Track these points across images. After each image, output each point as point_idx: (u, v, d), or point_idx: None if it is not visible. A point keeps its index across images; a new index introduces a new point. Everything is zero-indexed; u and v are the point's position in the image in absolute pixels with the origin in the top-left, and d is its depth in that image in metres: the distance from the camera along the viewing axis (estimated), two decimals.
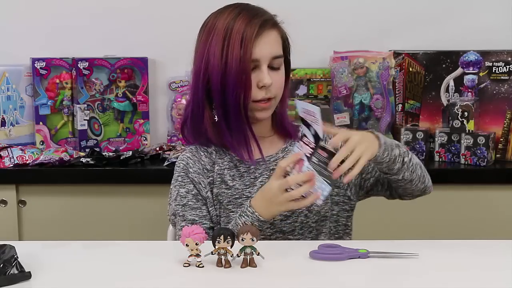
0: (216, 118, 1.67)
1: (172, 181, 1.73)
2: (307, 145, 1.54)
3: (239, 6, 1.67)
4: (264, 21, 1.63)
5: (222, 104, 1.64)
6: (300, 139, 1.56)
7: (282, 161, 1.55)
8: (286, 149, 1.75)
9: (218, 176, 1.71)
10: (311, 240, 1.70)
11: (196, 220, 1.67)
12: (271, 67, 1.65)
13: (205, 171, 1.71)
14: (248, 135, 1.67)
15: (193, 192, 1.69)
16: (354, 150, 1.53)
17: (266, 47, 1.63)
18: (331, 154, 1.51)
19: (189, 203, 1.69)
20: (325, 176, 1.51)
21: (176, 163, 1.75)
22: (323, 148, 1.52)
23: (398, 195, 1.78)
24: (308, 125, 1.55)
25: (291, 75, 2.56)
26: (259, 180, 1.70)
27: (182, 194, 1.70)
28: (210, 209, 1.69)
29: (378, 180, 1.76)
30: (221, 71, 1.61)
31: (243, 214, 1.60)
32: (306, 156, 1.53)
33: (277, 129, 1.77)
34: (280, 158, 1.73)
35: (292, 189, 1.53)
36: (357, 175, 1.57)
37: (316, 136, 1.53)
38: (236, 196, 1.69)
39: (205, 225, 1.66)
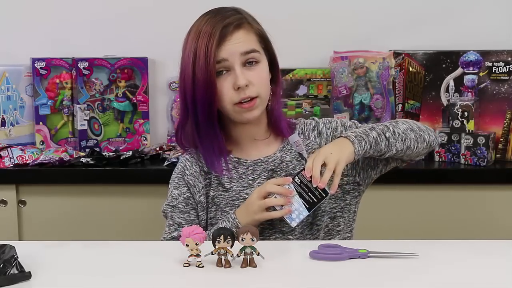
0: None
1: (170, 180, 1.76)
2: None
3: (212, 11, 1.68)
4: (226, 25, 1.63)
5: (194, 115, 1.66)
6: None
7: (271, 180, 1.61)
8: (284, 148, 1.74)
9: (215, 178, 1.71)
10: (312, 238, 1.70)
11: (183, 224, 1.70)
12: (247, 65, 1.64)
13: (203, 173, 1.73)
14: (217, 147, 1.68)
15: (184, 196, 1.71)
16: (328, 161, 1.54)
17: (231, 47, 1.62)
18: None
19: (179, 205, 1.71)
20: (304, 199, 1.56)
21: (177, 164, 1.78)
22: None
23: (409, 160, 1.78)
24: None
25: (291, 75, 2.59)
26: (257, 181, 1.70)
27: (174, 195, 1.72)
28: (200, 213, 1.71)
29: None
30: (191, 82, 1.63)
31: (225, 220, 1.63)
32: (292, 178, 1.57)
33: (273, 130, 1.76)
34: (278, 157, 1.73)
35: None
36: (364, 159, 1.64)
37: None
38: (234, 198, 1.70)
39: None
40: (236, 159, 1.73)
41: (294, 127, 1.78)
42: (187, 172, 1.72)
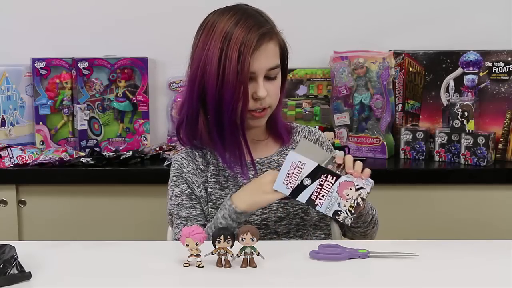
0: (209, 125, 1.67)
1: (169, 181, 1.75)
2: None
3: (239, 11, 1.65)
4: (262, 34, 1.61)
5: (216, 114, 1.63)
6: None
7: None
8: (282, 152, 1.75)
9: (213, 176, 1.72)
10: (301, 238, 1.71)
11: (191, 218, 1.69)
12: (267, 78, 1.65)
13: (199, 171, 1.73)
14: (241, 145, 1.67)
15: (186, 192, 1.71)
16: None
17: (263, 61, 1.62)
18: (337, 176, 1.53)
19: (183, 202, 1.71)
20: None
21: (172, 163, 1.77)
22: (328, 173, 1.53)
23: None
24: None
25: (291, 75, 2.59)
26: None
27: (176, 193, 1.72)
28: (204, 208, 1.71)
29: None
30: (218, 82, 1.60)
31: (222, 208, 1.61)
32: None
33: (272, 132, 1.77)
34: (275, 160, 1.74)
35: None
36: None
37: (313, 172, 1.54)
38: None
39: (199, 221, 1.68)
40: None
41: (290, 130, 1.79)
42: (185, 170, 1.73)
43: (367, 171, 1.55)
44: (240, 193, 1.60)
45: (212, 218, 1.69)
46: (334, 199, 1.51)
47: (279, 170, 1.55)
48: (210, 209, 1.71)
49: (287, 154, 1.73)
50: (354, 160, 1.57)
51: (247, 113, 1.64)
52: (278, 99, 1.71)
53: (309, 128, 1.83)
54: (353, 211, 1.51)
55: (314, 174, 1.52)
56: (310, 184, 1.52)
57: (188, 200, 1.71)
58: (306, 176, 1.52)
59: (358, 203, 1.51)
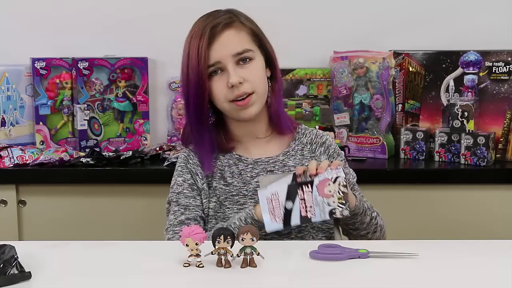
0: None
1: (174, 171, 1.79)
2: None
3: (206, 14, 1.72)
4: (213, 26, 1.66)
5: (187, 113, 1.72)
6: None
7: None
8: (288, 153, 1.75)
9: (218, 171, 1.74)
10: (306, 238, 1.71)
11: (190, 207, 1.71)
12: (240, 63, 1.67)
13: None
14: (206, 143, 1.72)
15: (189, 182, 1.74)
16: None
17: (221, 48, 1.65)
18: (310, 182, 1.55)
19: (184, 191, 1.73)
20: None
21: (179, 154, 1.82)
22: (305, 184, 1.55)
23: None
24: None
25: (291, 75, 2.59)
26: (255, 179, 1.71)
27: (178, 182, 1.75)
28: (204, 200, 1.72)
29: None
30: (186, 83, 1.68)
31: (242, 211, 1.64)
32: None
33: (275, 128, 1.77)
34: (280, 160, 1.73)
35: None
36: None
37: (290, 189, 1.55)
38: (234, 193, 1.71)
39: (197, 212, 1.70)
40: (237, 156, 1.75)
41: (295, 128, 1.79)
42: (190, 161, 1.76)
43: (335, 162, 1.56)
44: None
45: (215, 212, 1.71)
46: (321, 202, 1.52)
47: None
48: (213, 204, 1.71)
49: (293, 156, 1.74)
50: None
51: (231, 104, 1.67)
52: (265, 85, 1.71)
53: (316, 131, 1.83)
54: (344, 201, 1.52)
55: (290, 194, 1.54)
56: (293, 205, 1.54)
57: (189, 190, 1.73)
58: (286, 201, 1.53)
59: (343, 192, 1.52)
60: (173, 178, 1.78)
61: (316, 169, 1.54)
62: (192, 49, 1.65)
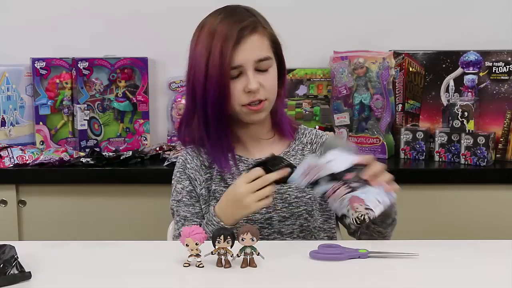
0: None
1: (173, 176, 1.77)
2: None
3: (224, 10, 1.68)
4: (242, 28, 1.64)
5: (203, 113, 1.67)
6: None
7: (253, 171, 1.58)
8: (288, 153, 1.75)
9: (218, 173, 1.72)
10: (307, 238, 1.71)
11: (188, 217, 1.70)
12: (258, 70, 1.66)
13: (203, 167, 1.73)
14: (225, 145, 1.70)
15: (187, 189, 1.72)
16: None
17: (246, 53, 1.63)
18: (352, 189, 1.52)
19: (183, 199, 1.72)
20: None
21: (177, 158, 1.79)
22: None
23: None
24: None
25: (291, 75, 2.59)
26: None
27: (178, 189, 1.73)
28: (202, 206, 1.71)
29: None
30: (203, 79, 1.64)
31: (209, 223, 1.62)
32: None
33: (277, 130, 1.77)
34: None
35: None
36: None
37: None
38: None
39: (195, 222, 1.69)
40: (238, 157, 1.74)
41: (296, 129, 1.79)
42: (188, 166, 1.73)
43: (388, 186, 1.55)
44: (223, 208, 1.61)
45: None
46: (344, 205, 1.51)
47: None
48: (213, 207, 1.70)
49: (293, 156, 1.73)
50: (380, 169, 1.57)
51: (243, 108, 1.66)
52: (276, 93, 1.71)
53: (316, 131, 1.83)
54: (358, 222, 1.51)
55: (331, 177, 1.52)
56: (325, 186, 1.53)
57: (188, 197, 1.72)
58: (323, 179, 1.52)
59: (364, 219, 1.50)
60: (172, 183, 1.76)
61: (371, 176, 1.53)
62: (215, 47, 1.62)
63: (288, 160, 1.63)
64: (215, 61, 1.61)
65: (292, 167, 1.56)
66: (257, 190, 1.55)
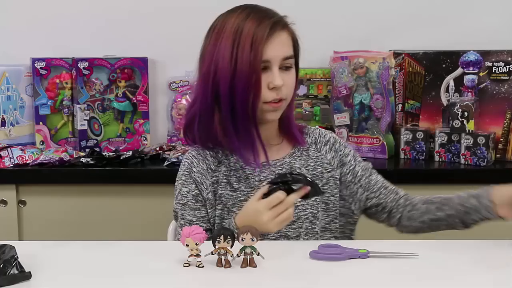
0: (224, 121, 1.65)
1: (176, 178, 1.73)
2: None
3: (248, 7, 1.65)
4: (275, 22, 1.62)
5: (230, 108, 1.61)
6: None
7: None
8: (294, 154, 1.74)
9: (224, 177, 1.69)
10: None
11: (194, 221, 1.67)
12: (282, 68, 1.64)
13: (209, 170, 1.69)
14: (255, 138, 1.65)
15: (193, 193, 1.68)
16: None
17: (277, 48, 1.61)
18: None
19: (189, 203, 1.68)
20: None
21: (182, 160, 1.74)
22: None
23: (399, 226, 1.78)
24: None
25: None
26: (263, 184, 1.67)
27: (183, 193, 1.69)
28: (209, 210, 1.69)
29: (381, 203, 1.77)
30: (231, 74, 1.59)
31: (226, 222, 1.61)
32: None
33: (285, 134, 1.75)
34: (287, 162, 1.72)
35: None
36: (362, 191, 1.72)
37: None
38: (241, 198, 1.67)
39: (201, 226, 1.66)
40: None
41: (302, 131, 1.78)
42: (194, 169, 1.69)
43: None
44: (243, 219, 1.57)
45: (221, 219, 1.67)
46: None
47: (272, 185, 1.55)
48: (220, 211, 1.68)
49: (298, 157, 1.72)
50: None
51: (263, 105, 1.62)
52: (292, 94, 1.69)
53: (319, 130, 1.81)
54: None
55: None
56: None
57: (194, 201, 1.68)
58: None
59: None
60: (177, 185, 1.72)
61: None
62: (244, 42, 1.58)
63: (306, 175, 1.60)
64: (245, 55, 1.58)
65: (313, 185, 1.55)
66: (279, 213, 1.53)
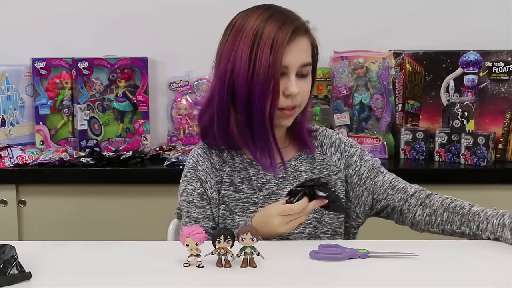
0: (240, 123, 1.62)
1: (182, 175, 1.71)
2: None
3: (270, 8, 1.61)
4: (297, 27, 1.59)
5: (246, 111, 1.58)
6: None
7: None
8: (300, 157, 1.71)
9: (228, 177, 1.68)
10: None
11: (199, 219, 1.66)
12: (298, 75, 1.60)
13: (214, 170, 1.68)
14: (271, 143, 1.62)
15: (199, 191, 1.67)
16: None
17: (296, 54, 1.58)
18: None
19: (194, 201, 1.67)
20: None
21: (187, 158, 1.72)
22: None
23: (414, 227, 1.75)
24: None
25: None
26: (267, 186, 1.67)
27: (188, 191, 1.68)
28: (214, 210, 1.68)
29: (389, 205, 1.73)
30: (248, 76, 1.55)
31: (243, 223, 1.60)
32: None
33: (293, 138, 1.72)
34: (292, 165, 1.70)
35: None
36: (367, 194, 1.70)
37: None
38: (244, 200, 1.67)
39: (207, 224, 1.65)
40: (249, 160, 1.69)
41: (314, 134, 1.74)
42: (199, 167, 1.68)
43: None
44: (258, 220, 1.57)
45: (224, 220, 1.66)
46: None
47: (292, 178, 1.54)
48: (222, 212, 1.67)
49: (304, 160, 1.70)
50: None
51: (277, 111, 1.59)
52: (308, 99, 1.65)
53: (326, 131, 1.77)
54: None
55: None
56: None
57: (199, 199, 1.67)
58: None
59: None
60: (182, 183, 1.70)
61: None
62: (264, 45, 1.53)
63: (335, 189, 1.59)
64: (264, 58, 1.53)
65: (338, 200, 1.54)
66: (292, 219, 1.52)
